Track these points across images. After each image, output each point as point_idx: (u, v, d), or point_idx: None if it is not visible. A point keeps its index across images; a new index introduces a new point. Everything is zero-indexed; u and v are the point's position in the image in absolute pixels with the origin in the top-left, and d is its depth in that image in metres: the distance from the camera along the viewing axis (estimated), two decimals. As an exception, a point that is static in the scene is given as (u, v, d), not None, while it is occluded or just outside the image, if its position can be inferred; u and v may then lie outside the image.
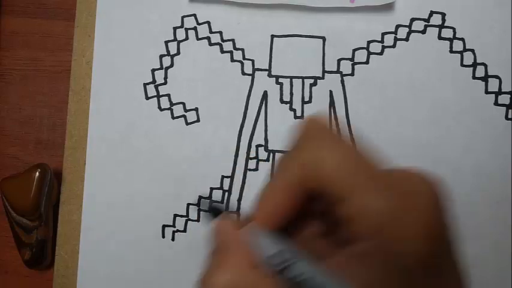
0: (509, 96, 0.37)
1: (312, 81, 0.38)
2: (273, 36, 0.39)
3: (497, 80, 0.37)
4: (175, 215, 0.38)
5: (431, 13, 0.38)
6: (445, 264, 0.19)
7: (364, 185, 0.19)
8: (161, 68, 0.39)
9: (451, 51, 0.38)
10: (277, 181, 0.21)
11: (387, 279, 0.18)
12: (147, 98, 0.39)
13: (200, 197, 0.38)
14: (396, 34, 0.38)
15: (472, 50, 0.37)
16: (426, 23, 0.38)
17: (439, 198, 0.20)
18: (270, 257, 0.20)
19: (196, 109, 0.38)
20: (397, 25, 0.38)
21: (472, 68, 0.37)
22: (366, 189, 0.19)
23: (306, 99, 0.38)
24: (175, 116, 0.39)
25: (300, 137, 0.21)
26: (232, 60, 0.39)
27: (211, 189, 0.38)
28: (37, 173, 0.36)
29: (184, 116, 0.39)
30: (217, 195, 0.37)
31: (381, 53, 0.38)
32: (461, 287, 0.20)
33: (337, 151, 0.20)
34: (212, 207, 0.23)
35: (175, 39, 0.39)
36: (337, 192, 0.19)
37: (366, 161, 0.20)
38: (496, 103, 0.37)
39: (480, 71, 0.37)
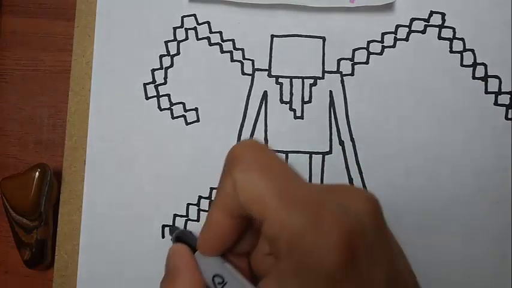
0: (509, 96, 0.37)
1: (311, 81, 0.38)
2: (273, 36, 0.39)
3: (497, 80, 0.37)
4: (175, 215, 0.38)
5: (431, 13, 0.38)
6: (365, 269, 0.19)
7: (279, 205, 0.19)
8: (161, 68, 0.39)
9: (451, 51, 0.38)
10: (212, 208, 0.22)
11: None
12: (147, 98, 0.39)
13: (200, 197, 0.38)
14: (396, 34, 0.38)
15: (472, 50, 0.37)
16: (426, 23, 0.38)
17: (363, 212, 0.20)
18: (211, 280, 0.22)
19: (196, 109, 0.39)
20: (397, 25, 0.38)
21: (472, 68, 0.37)
22: (281, 210, 0.19)
23: (306, 99, 0.38)
24: (175, 116, 0.39)
25: (227, 162, 0.22)
26: (232, 60, 0.39)
27: (211, 189, 0.38)
28: (37, 173, 0.36)
29: (184, 116, 0.39)
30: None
31: (381, 53, 0.38)
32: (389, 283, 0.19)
33: (255, 174, 0.20)
34: (175, 236, 0.25)
35: (175, 39, 0.39)
36: (257, 214, 0.20)
37: (285, 182, 0.20)
38: (496, 103, 0.37)
39: (480, 71, 0.37)
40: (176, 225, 0.38)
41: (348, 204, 0.20)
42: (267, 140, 0.38)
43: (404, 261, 0.21)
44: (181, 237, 0.25)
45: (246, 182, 0.20)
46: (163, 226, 0.38)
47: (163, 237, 0.38)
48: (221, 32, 0.39)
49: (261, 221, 0.20)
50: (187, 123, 0.38)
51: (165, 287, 0.22)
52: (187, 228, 0.38)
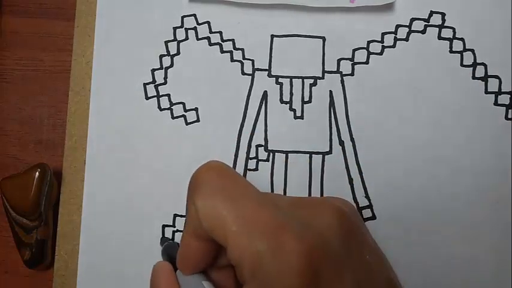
0: (509, 96, 0.37)
1: (311, 81, 0.38)
2: (272, 36, 0.39)
3: (497, 80, 0.37)
4: (175, 215, 0.38)
5: (431, 13, 0.38)
6: (329, 284, 0.19)
7: (240, 231, 0.19)
8: (161, 68, 0.39)
9: (451, 51, 0.38)
10: (183, 231, 0.22)
11: None
12: (147, 98, 0.39)
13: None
14: (396, 34, 0.38)
15: (472, 50, 0.37)
16: (426, 23, 0.38)
17: (329, 226, 0.20)
18: None
19: (196, 109, 0.39)
20: (397, 25, 0.38)
21: (471, 68, 0.37)
22: (241, 236, 0.19)
23: (306, 99, 0.38)
24: (175, 116, 0.39)
25: (189, 188, 0.22)
26: (232, 60, 0.39)
27: (211, 189, 0.38)
28: (37, 173, 0.36)
29: (184, 116, 0.39)
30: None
31: (381, 53, 0.38)
32: None
33: (216, 200, 0.20)
34: (163, 249, 0.25)
35: (175, 39, 0.39)
36: (220, 240, 0.20)
37: (247, 206, 0.20)
38: (496, 103, 0.37)
39: (480, 71, 0.37)
40: (176, 225, 0.38)
41: (314, 221, 0.20)
42: (267, 140, 0.38)
43: (383, 271, 0.21)
44: (168, 251, 0.26)
45: (207, 208, 0.20)
46: (164, 226, 0.38)
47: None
48: (221, 32, 0.39)
49: (225, 246, 0.20)
50: (187, 123, 0.38)
51: None
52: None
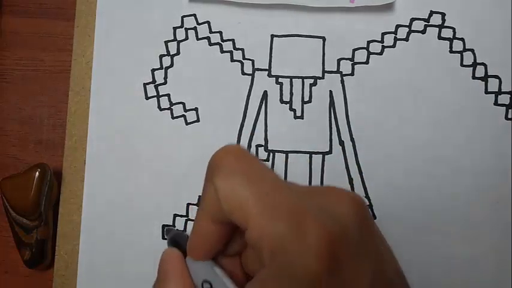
0: (509, 96, 0.37)
1: (311, 81, 0.38)
2: (272, 36, 0.39)
3: (497, 80, 0.37)
4: (175, 215, 0.38)
5: (431, 13, 0.38)
6: (348, 274, 0.19)
7: (261, 213, 0.19)
8: (161, 68, 0.39)
9: (451, 51, 0.38)
10: (197, 215, 0.22)
11: None
12: (147, 98, 0.39)
13: (200, 197, 0.38)
14: (396, 34, 0.38)
15: (472, 50, 0.37)
16: (426, 23, 0.38)
17: (346, 213, 0.20)
18: (201, 285, 0.22)
19: (196, 109, 0.39)
20: (397, 25, 0.38)
21: (471, 68, 0.37)
22: (262, 217, 0.19)
23: (306, 99, 0.38)
24: (175, 115, 0.39)
25: (209, 169, 0.22)
26: (232, 60, 0.39)
27: (211, 189, 0.38)
28: (37, 173, 0.36)
29: (184, 115, 0.39)
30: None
31: (381, 53, 0.38)
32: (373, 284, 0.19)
33: (237, 182, 0.20)
34: (170, 238, 0.25)
35: (175, 39, 0.39)
36: (239, 222, 0.20)
37: (267, 188, 0.20)
38: (495, 103, 0.37)
39: (480, 71, 0.37)
40: (176, 225, 0.38)
41: (331, 208, 0.20)
42: (267, 140, 0.38)
43: (392, 262, 0.21)
44: (175, 239, 0.25)
45: (228, 189, 0.20)
46: (164, 226, 0.38)
47: (163, 237, 0.38)
48: (221, 32, 0.39)
49: (243, 228, 0.20)
50: (187, 123, 0.38)
51: None
52: (188, 228, 0.38)
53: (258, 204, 0.19)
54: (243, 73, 0.39)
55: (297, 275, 0.18)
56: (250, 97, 0.38)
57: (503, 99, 0.37)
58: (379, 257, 0.20)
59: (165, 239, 0.38)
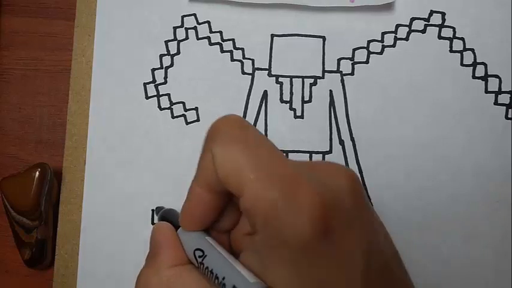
0: (509, 95, 0.37)
1: (312, 80, 0.38)
2: (273, 35, 0.39)
3: (497, 79, 0.37)
4: (175, 215, 0.38)
5: (431, 12, 0.38)
6: (340, 242, 0.19)
7: (256, 179, 0.19)
8: (161, 68, 0.39)
9: (451, 51, 0.38)
10: (192, 183, 0.22)
11: (277, 267, 0.19)
12: (147, 97, 0.39)
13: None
14: (396, 34, 0.38)
15: (472, 50, 0.37)
16: (426, 23, 0.38)
17: (341, 186, 0.20)
18: (193, 254, 0.22)
19: (196, 108, 0.39)
20: (397, 25, 0.38)
21: (472, 67, 0.37)
22: (257, 183, 0.19)
23: (306, 98, 0.38)
24: (175, 115, 0.39)
25: (207, 136, 0.22)
26: (232, 59, 0.39)
27: (211, 189, 0.38)
28: (37, 173, 0.36)
29: (184, 115, 0.39)
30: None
31: (381, 53, 0.38)
32: (369, 255, 0.19)
33: (234, 149, 0.20)
34: (160, 215, 0.25)
35: (175, 39, 0.39)
36: (234, 189, 0.20)
37: (264, 157, 0.20)
38: (496, 103, 0.37)
39: (480, 71, 0.37)
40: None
41: (327, 180, 0.20)
42: (267, 140, 0.38)
43: (387, 242, 0.21)
44: (165, 216, 0.25)
45: (224, 156, 0.20)
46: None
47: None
48: (221, 31, 0.39)
49: (238, 196, 0.20)
50: (187, 123, 0.38)
51: (148, 263, 0.23)
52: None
53: (254, 171, 0.19)
54: (243, 73, 0.39)
55: (290, 239, 0.18)
56: (250, 97, 0.38)
57: (503, 98, 0.37)
58: (374, 237, 0.20)
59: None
